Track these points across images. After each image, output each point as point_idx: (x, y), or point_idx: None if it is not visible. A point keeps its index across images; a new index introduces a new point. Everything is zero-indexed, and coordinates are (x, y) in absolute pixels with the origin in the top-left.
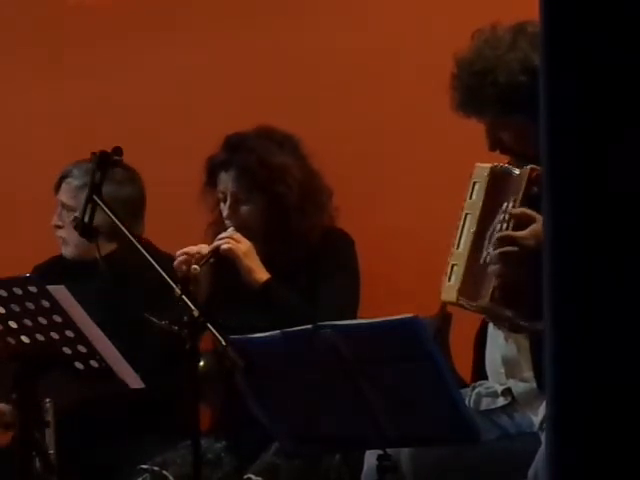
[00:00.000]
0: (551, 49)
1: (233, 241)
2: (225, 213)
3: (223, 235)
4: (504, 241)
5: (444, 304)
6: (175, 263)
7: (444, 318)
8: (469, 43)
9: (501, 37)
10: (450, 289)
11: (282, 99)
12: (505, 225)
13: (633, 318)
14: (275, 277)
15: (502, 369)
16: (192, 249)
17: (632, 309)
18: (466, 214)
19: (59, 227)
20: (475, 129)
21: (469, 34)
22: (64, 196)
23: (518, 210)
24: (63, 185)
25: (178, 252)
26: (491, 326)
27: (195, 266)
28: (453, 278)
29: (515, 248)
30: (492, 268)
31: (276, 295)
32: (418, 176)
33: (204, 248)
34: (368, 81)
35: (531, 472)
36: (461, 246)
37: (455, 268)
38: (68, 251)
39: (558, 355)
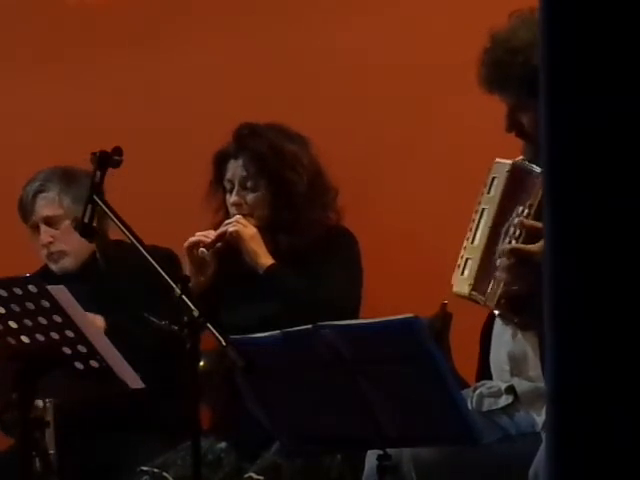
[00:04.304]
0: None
1: (240, 225)
2: (232, 200)
3: (230, 220)
4: (513, 254)
5: (444, 304)
6: (185, 244)
7: (444, 318)
8: (506, 22)
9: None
10: (463, 282)
11: (283, 99)
12: (517, 233)
13: (633, 318)
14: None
15: (507, 366)
16: (200, 235)
17: (632, 309)
18: (483, 209)
19: (50, 243)
20: (478, 131)
21: (471, 33)
22: (46, 210)
23: (531, 222)
24: (39, 202)
25: (188, 240)
26: (497, 323)
27: (202, 249)
28: (467, 272)
29: (523, 261)
30: (500, 275)
31: (280, 280)
32: (418, 177)
33: (211, 234)
34: (369, 82)
35: (531, 472)
36: (476, 240)
37: (469, 262)
38: (67, 263)
39: (559, 355)
